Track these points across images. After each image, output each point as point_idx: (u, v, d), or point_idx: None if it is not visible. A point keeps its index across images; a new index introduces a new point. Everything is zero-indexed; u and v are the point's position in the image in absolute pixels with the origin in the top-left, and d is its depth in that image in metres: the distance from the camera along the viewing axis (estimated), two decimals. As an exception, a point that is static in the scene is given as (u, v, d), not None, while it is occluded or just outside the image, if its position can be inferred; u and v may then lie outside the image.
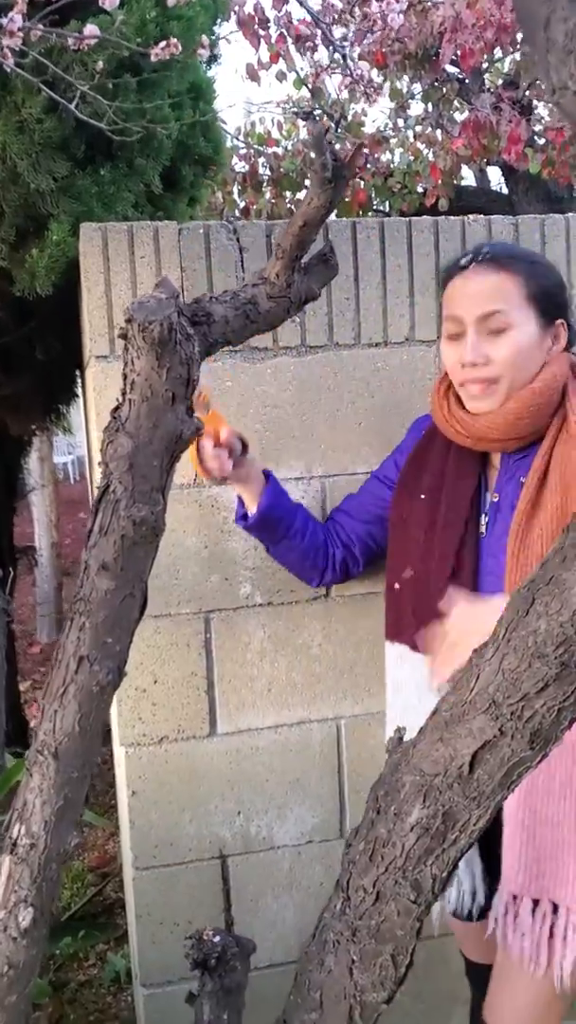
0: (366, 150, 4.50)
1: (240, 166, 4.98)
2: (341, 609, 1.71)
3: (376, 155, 4.81)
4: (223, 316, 0.93)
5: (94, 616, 0.85)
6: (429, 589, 1.37)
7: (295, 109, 5.09)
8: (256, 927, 1.72)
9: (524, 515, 1.29)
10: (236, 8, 3.10)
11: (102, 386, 1.60)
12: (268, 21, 3.56)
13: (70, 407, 2.85)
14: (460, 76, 4.84)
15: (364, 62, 3.76)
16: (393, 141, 5.09)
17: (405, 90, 5.05)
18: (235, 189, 4.97)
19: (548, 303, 1.32)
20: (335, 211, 1.05)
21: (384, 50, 4.09)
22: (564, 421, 1.31)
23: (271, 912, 1.74)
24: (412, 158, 4.94)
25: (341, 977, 0.90)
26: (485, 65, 4.90)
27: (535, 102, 4.79)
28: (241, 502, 1.52)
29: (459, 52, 3.97)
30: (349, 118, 4.86)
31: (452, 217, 1.77)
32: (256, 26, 3.49)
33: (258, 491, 1.47)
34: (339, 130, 4.42)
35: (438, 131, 4.89)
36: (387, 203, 5.15)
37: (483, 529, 1.38)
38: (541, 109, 4.96)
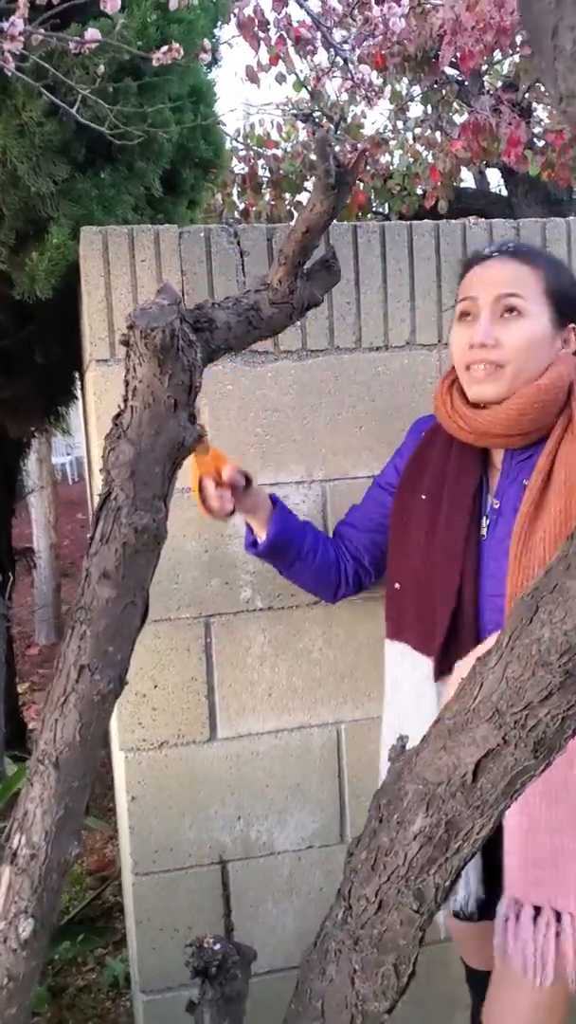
0: (368, 155, 4.50)
1: (239, 168, 4.98)
2: (342, 614, 1.70)
3: (375, 157, 4.81)
4: (225, 322, 0.92)
5: (95, 625, 0.85)
6: (432, 589, 1.37)
7: (294, 111, 5.09)
8: (256, 933, 1.71)
9: (527, 517, 1.28)
10: (236, 10, 3.09)
11: (102, 390, 1.59)
12: (268, 23, 3.56)
13: (69, 409, 2.85)
14: (460, 78, 4.84)
15: (364, 65, 3.76)
16: (392, 143, 5.09)
17: (404, 92, 5.06)
18: (234, 191, 4.97)
19: (565, 304, 1.32)
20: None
21: (384, 52, 4.09)
22: (570, 422, 1.30)
23: (271, 918, 1.74)
24: (412, 160, 4.94)
25: (343, 986, 0.89)
26: (485, 67, 4.90)
27: (534, 104, 4.79)
28: (250, 529, 1.50)
29: (459, 54, 3.97)
30: (348, 120, 4.86)
31: (453, 221, 1.76)
32: (256, 28, 3.49)
33: (265, 518, 1.45)
34: (338, 132, 4.42)
35: (437, 133, 4.90)
36: (386, 205, 5.15)
37: (484, 532, 1.37)
38: (540, 111, 4.97)
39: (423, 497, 1.42)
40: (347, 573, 1.53)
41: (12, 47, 1.36)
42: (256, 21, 3.47)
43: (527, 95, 4.61)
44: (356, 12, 3.51)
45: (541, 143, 4.64)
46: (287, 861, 1.73)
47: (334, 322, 1.68)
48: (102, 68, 1.59)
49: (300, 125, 5.18)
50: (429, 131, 4.94)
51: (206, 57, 1.71)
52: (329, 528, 1.69)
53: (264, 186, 4.94)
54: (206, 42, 1.71)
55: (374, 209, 5.25)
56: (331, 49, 3.31)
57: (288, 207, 4.90)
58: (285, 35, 3.59)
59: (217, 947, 1.04)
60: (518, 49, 4.38)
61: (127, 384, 0.87)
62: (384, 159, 5.01)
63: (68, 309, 1.96)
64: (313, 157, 4.61)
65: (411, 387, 1.72)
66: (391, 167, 4.98)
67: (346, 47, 3.55)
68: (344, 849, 1.71)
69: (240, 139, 4.99)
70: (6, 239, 1.80)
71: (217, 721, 1.68)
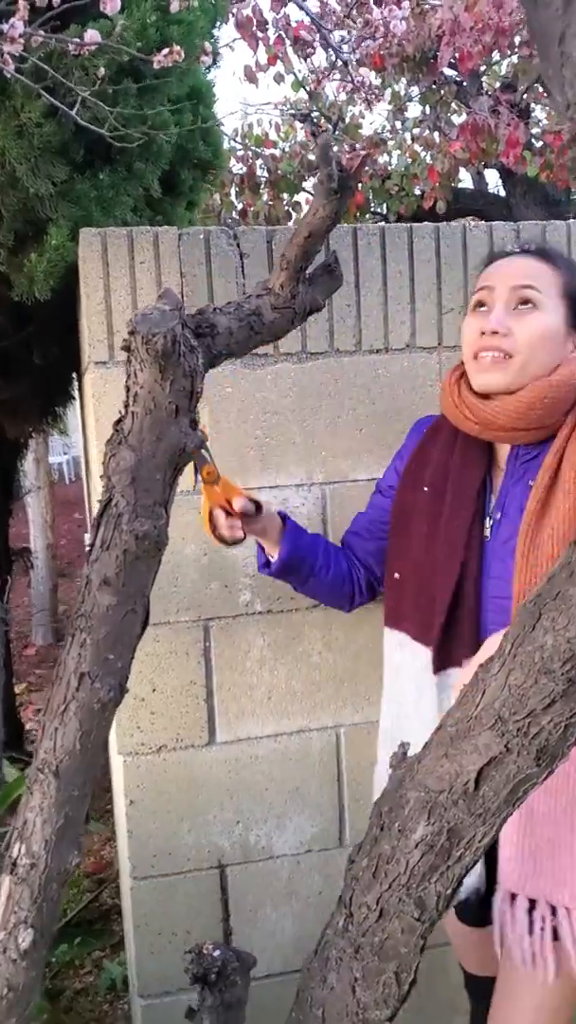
0: (370, 159, 4.50)
1: (238, 168, 4.97)
2: (341, 617, 1.70)
3: (374, 157, 4.81)
4: (227, 327, 0.92)
5: (95, 632, 0.84)
6: (432, 580, 1.36)
7: (293, 111, 5.08)
8: (255, 937, 1.71)
9: (534, 515, 1.27)
10: (235, 10, 3.09)
11: (101, 392, 1.59)
12: (266, 23, 3.55)
13: (66, 410, 2.84)
14: (458, 79, 4.84)
15: (363, 67, 3.76)
16: (391, 143, 5.08)
17: (403, 93, 5.05)
18: (232, 191, 4.96)
19: None
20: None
21: (382, 53, 4.09)
22: None
23: (270, 922, 1.73)
24: (410, 160, 4.93)
25: (343, 994, 0.89)
26: (483, 68, 4.90)
27: (533, 105, 4.79)
28: (261, 548, 1.49)
29: (457, 55, 3.97)
30: (347, 120, 4.85)
31: (453, 223, 1.76)
32: (254, 28, 3.49)
33: (276, 537, 1.44)
34: (336, 132, 4.42)
35: (436, 134, 4.89)
36: (385, 205, 5.15)
37: (487, 533, 1.35)
38: (539, 112, 4.97)
39: (425, 489, 1.41)
40: (360, 583, 1.53)
41: (12, 49, 1.36)
42: (254, 21, 3.47)
43: (525, 96, 4.60)
44: (356, 14, 3.51)
45: (539, 144, 4.64)
46: (286, 865, 1.73)
47: (334, 324, 1.68)
48: (102, 70, 1.58)
49: (298, 125, 5.17)
50: (427, 131, 4.93)
51: (207, 60, 1.70)
52: (329, 530, 1.68)
53: (262, 186, 4.93)
54: (207, 45, 1.70)
55: (372, 209, 5.24)
56: (329, 50, 3.31)
57: (286, 207, 4.89)
58: (283, 35, 3.58)
59: (217, 953, 1.04)
60: (516, 50, 4.38)
61: (128, 390, 0.86)
62: (382, 159, 5.01)
63: (66, 311, 1.95)
64: (312, 157, 4.61)
65: (411, 390, 1.71)
66: (389, 167, 4.98)
67: (345, 48, 3.54)
68: (343, 853, 1.71)
69: (238, 139, 4.98)
70: (5, 240, 1.79)
71: (216, 725, 1.68)
